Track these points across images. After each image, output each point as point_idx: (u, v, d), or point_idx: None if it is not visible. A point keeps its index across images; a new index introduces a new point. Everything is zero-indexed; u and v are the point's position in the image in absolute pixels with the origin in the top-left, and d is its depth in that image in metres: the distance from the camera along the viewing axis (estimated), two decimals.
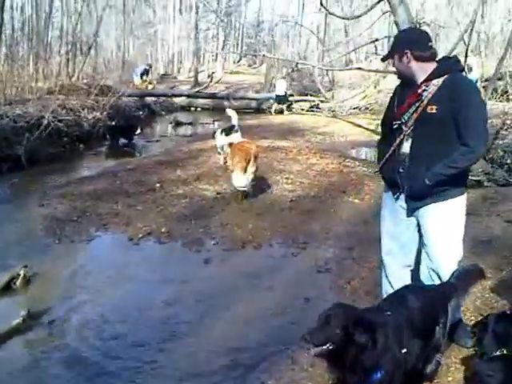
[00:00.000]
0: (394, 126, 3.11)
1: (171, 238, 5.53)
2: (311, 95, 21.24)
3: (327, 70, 21.15)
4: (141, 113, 16.66)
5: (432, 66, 3.00)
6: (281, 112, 18.98)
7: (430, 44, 3.05)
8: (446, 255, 3.08)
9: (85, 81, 15.78)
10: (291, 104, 19.81)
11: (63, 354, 3.39)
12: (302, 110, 19.42)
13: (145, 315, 3.92)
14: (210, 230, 5.78)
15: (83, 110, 11.60)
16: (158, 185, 7.57)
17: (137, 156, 10.77)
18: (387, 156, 3.16)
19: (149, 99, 18.74)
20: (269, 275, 4.61)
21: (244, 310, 3.96)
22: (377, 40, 17.57)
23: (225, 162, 8.47)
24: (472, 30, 13.70)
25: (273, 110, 19.13)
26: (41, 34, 16.88)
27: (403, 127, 3.05)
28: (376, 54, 21.28)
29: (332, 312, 2.45)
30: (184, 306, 4.04)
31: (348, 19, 16.61)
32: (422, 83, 2.99)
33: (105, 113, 12.28)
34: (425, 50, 3.01)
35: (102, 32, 22.80)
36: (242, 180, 6.79)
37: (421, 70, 3.00)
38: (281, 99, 19.20)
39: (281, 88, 19.34)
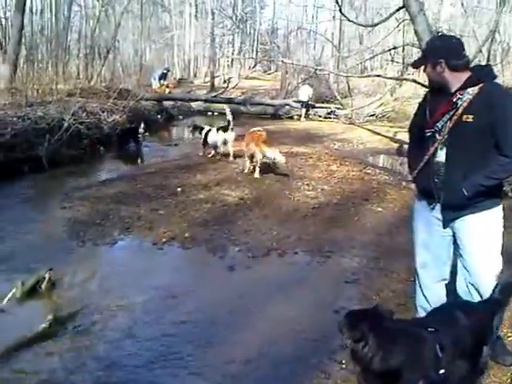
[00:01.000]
0: (427, 134, 3.05)
1: (195, 244, 5.47)
2: (327, 102, 21.18)
3: (344, 77, 21.09)
4: (159, 116, 16.69)
5: (466, 74, 2.94)
6: (299, 118, 18.98)
7: (464, 53, 2.99)
8: (484, 268, 2.99)
9: (104, 84, 15.86)
10: (308, 110, 19.78)
11: (90, 360, 3.34)
12: (320, 116, 19.34)
13: (171, 321, 3.85)
14: (234, 236, 5.71)
15: (103, 112, 11.60)
16: (179, 189, 7.54)
17: (139, 164, 10.12)
18: (422, 165, 3.09)
19: (166, 103, 18.79)
20: (295, 285, 4.52)
21: (272, 321, 3.86)
22: (395, 48, 17.49)
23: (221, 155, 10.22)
24: (492, 39, 13.60)
25: (302, 117, 19.18)
26: (60, 37, 17.04)
27: (437, 136, 2.99)
28: (392, 61, 21.14)
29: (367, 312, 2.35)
30: (210, 315, 3.95)
31: (367, 27, 16.54)
32: (456, 91, 2.92)
33: (124, 116, 12.29)
34: (459, 60, 2.95)
35: (119, 36, 22.97)
36: (259, 154, 8.48)
37: (455, 79, 2.94)
38: (307, 105, 19.35)
39: (305, 94, 19.46)
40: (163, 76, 21.47)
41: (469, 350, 2.50)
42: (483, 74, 2.96)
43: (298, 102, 19.57)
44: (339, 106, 20.37)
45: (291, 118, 19.57)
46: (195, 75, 36.74)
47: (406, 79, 15.34)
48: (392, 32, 17.82)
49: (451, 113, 2.92)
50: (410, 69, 20.31)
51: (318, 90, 23.23)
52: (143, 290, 4.33)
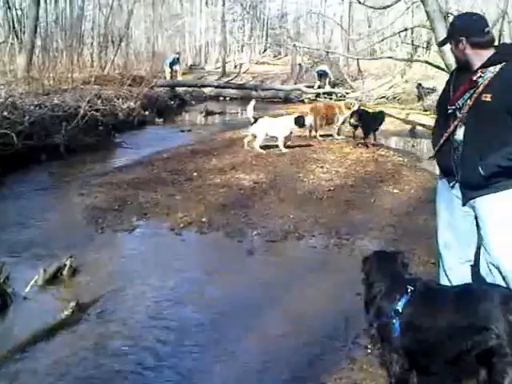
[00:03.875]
0: (449, 111, 3.03)
1: (212, 228, 5.49)
2: (337, 85, 21.18)
3: (355, 60, 21.00)
4: (172, 102, 16.75)
5: (489, 52, 2.89)
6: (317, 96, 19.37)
7: (486, 29, 2.94)
8: (504, 248, 2.96)
9: (117, 72, 15.93)
10: (319, 95, 19.75)
11: (113, 347, 3.33)
12: (330, 99, 19.23)
13: (194, 307, 3.88)
14: (251, 220, 5.73)
15: (118, 99, 11.68)
16: (195, 174, 7.58)
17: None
18: (442, 142, 3.07)
19: (179, 89, 18.83)
20: (315, 268, 4.53)
21: (295, 305, 3.86)
22: (406, 30, 17.30)
23: None
24: (504, 18, 13.37)
25: (316, 86, 20.37)
26: (74, 26, 17.11)
27: (457, 113, 2.97)
28: (404, 43, 20.91)
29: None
30: (232, 301, 3.94)
31: (378, 9, 16.38)
32: (478, 69, 2.90)
33: (138, 102, 12.35)
34: (481, 37, 2.91)
35: (132, 24, 23.01)
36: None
37: (477, 57, 2.90)
38: (322, 74, 20.52)
39: (324, 67, 20.77)
40: (176, 61, 21.44)
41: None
42: (507, 53, 2.92)
43: (319, 72, 20.87)
44: (348, 90, 20.29)
45: (302, 101, 19.48)
46: (206, 61, 36.68)
47: (418, 60, 15.19)
48: (401, 13, 17.72)
49: (471, 91, 2.89)
50: (420, 50, 20.20)
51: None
52: (163, 275, 4.35)
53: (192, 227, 5.54)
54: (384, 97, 18.84)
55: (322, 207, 6.26)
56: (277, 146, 9.38)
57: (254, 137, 9.38)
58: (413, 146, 11.74)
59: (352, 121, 10.35)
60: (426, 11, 8.15)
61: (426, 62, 12.85)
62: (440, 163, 3.18)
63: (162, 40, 30.39)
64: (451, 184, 3.08)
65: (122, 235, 5.38)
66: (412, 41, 19.20)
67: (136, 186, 6.93)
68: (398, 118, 14.60)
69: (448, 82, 3.20)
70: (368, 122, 10.25)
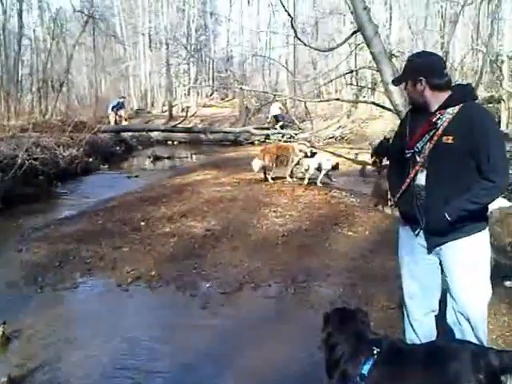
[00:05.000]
0: (407, 155, 2.91)
1: (162, 282, 5.15)
2: (286, 127, 21.40)
3: (301, 102, 21.43)
4: (117, 148, 16.38)
5: (446, 93, 2.82)
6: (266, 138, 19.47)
7: (445, 71, 2.88)
8: (472, 295, 2.84)
9: (58, 118, 15.50)
10: (268, 136, 19.88)
11: None
12: (280, 140, 19.35)
13: (142, 371, 3.54)
14: (204, 271, 5.43)
15: (58, 147, 11.25)
16: (142, 223, 7.23)
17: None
18: (403, 188, 2.94)
19: (125, 134, 18.48)
20: (273, 321, 4.28)
21: (250, 363, 3.60)
22: (352, 71, 17.74)
23: None
24: (446, 60, 13.94)
25: (278, 126, 20.58)
26: (11, 72, 16.62)
27: (417, 157, 2.86)
28: (351, 84, 21.51)
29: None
30: (184, 362, 3.65)
31: (324, 51, 16.84)
32: (436, 111, 2.81)
33: (81, 149, 11.95)
34: (441, 78, 2.83)
35: (73, 69, 22.70)
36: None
37: (435, 98, 2.82)
38: (278, 119, 20.75)
39: (276, 108, 20.89)
40: (120, 105, 21.13)
41: None
42: (464, 94, 2.85)
43: (274, 116, 21.15)
44: (297, 131, 20.56)
45: (252, 143, 19.55)
46: (152, 105, 36.54)
47: (365, 102, 15.54)
48: (347, 56, 18.31)
49: (431, 133, 2.80)
50: (365, 90, 20.85)
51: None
52: (109, 338, 3.99)
53: (140, 282, 5.19)
54: (332, 137, 19.16)
55: (277, 254, 6.04)
56: (230, 191, 9.23)
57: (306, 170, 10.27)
58: (365, 185, 11.80)
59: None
60: (372, 53, 8.27)
61: (373, 103, 13.13)
62: (402, 211, 3.04)
63: (105, 84, 30.11)
64: (416, 232, 2.93)
65: (64, 294, 4.96)
66: (357, 82, 19.77)
67: (79, 239, 6.50)
68: (347, 158, 14.76)
69: (402, 124, 3.10)
70: None
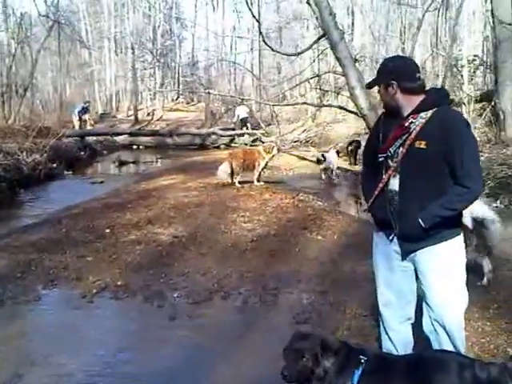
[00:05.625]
0: (380, 159, 2.87)
1: (129, 293, 4.98)
2: (252, 129, 21.40)
3: (266, 105, 21.51)
4: (82, 153, 16.05)
5: (419, 97, 2.79)
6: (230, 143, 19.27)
7: (418, 75, 2.84)
8: (448, 302, 2.81)
9: (22, 123, 15.11)
10: (234, 138, 19.85)
11: None
12: (246, 144, 19.31)
13: None
14: (171, 280, 5.29)
15: (22, 152, 10.93)
16: (107, 230, 7.04)
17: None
18: (376, 193, 2.90)
19: (90, 139, 18.15)
20: (245, 332, 4.17)
21: (225, 378, 3.50)
22: (318, 76, 17.87)
23: None
24: None
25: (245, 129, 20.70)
26: None
27: (390, 162, 2.82)
28: (317, 89, 21.65)
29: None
30: (151, 379, 3.52)
31: (290, 56, 17.00)
32: (408, 115, 2.77)
33: (45, 155, 11.63)
34: (413, 82, 2.80)
35: (37, 73, 22.20)
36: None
37: (408, 102, 2.79)
38: (246, 121, 20.82)
39: (243, 111, 21.02)
40: (85, 110, 20.73)
41: None
42: (437, 98, 2.82)
43: (241, 120, 21.15)
44: (264, 133, 20.59)
45: (218, 147, 19.48)
46: (118, 109, 36.13)
47: (331, 105, 15.64)
48: (312, 60, 18.49)
49: (404, 137, 2.76)
50: (329, 94, 21.05)
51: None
52: (73, 354, 3.81)
53: (106, 292, 5.02)
54: (298, 140, 19.24)
55: (247, 260, 5.96)
56: (197, 196, 9.10)
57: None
58: (330, 188, 11.87)
59: None
60: (337, 57, 8.32)
61: (340, 107, 13.22)
62: (375, 216, 2.98)
63: (70, 89, 29.59)
64: (390, 238, 2.88)
65: (26, 308, 4.73)
66: (320, 86, 19.95)
67: (42, 249, 6.28)
68: (312, 161, 14.78)
69: (375, 129, 3.06)
70: None
